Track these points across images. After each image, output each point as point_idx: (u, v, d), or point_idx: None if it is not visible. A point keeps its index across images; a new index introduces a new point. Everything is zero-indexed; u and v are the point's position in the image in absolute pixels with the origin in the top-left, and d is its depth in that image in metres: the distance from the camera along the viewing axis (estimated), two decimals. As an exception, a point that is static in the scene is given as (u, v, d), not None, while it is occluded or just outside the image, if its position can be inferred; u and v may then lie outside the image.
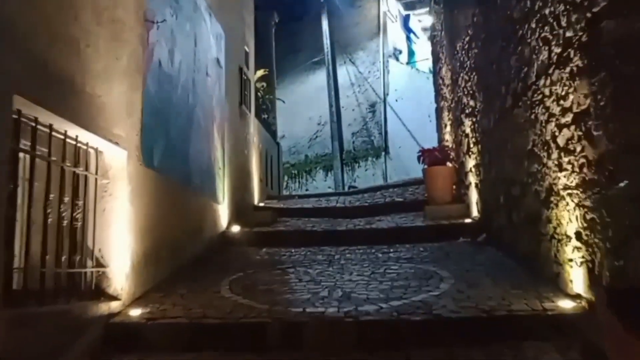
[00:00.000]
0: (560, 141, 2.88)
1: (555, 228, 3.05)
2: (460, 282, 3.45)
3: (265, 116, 9.39)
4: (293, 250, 5.09)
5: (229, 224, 5.84)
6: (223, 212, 5.70)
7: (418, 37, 15.44)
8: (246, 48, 7.56)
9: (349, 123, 14.72)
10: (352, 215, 6.46)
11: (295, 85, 15.17)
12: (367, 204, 7.30)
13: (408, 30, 15.34)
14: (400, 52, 14.64)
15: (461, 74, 5.53)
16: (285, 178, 14.52)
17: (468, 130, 5.35)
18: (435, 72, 7.69)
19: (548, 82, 3.02)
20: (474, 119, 5.06)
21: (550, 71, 2.98)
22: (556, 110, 2.92)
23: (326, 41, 14.50)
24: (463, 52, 5.37)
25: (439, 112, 7.46)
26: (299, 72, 15.16)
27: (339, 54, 14.87)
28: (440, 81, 7.11)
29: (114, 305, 3.15)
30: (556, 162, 2.97)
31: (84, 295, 2.99)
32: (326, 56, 14.49)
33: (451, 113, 6.37)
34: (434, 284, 3.45)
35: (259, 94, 8.61)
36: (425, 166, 6.33)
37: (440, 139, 7.28)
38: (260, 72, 8.46)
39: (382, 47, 14.12)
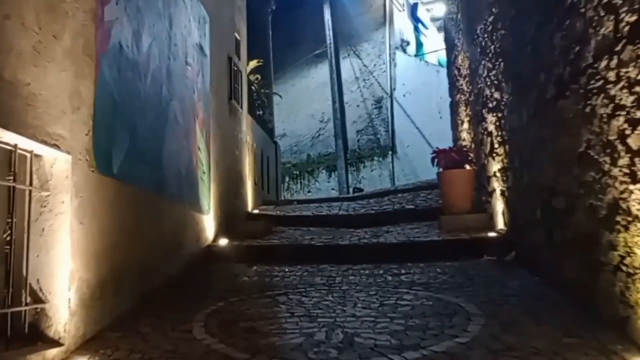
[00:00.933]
0: (634, 142, 2.21)
1: (622, 258, 2.37)
2: (493, 322, 2.74)
3: (261, 112, 8.68)
4: (287, 270, 4.40)
5: (216, 237, 5.15)
6: (208, 223, 4.99)
7: (427, 28, 14.88)
8: (237, 35, 6.81)
9: (353, 120, 14.05)
10: (357, 225, 5.87)
11: (295, 80, 14.53)
12: (374, 212, 6.71)
13: (416, 20, 14.81)
14: (408, 43, 14.03)
15: (482, 62, 4.80)
16: (287, 179, 13.90)
17: (491, 127, 4.63)
18: (450, 62, 6.94)
19: (614, 63, 2.34)
20: (500, 114, 4.35)
21: (618, 48, 2.30)
22: (627, 100, 2.25)
23: (328, 32, 13.88)
24: (485, 35, 4.63)
25: (453, 107, 6.72)
26: (300, 65, 14.49)
27: (342, 46, 14.21)
28: (456, 72, 6.37)
29: (53, 354, 2.48)
30: (626, 171, 2.29)
31: (13, 342, 2.32)
32: (328, 48, 13.88)
33: (469, 108, 5.64)
34: (460, 325, 2.73)
35: (252, 87, 7.89)
36: (440, 169, 5.62)
37: (456, 138, 6.53)
38: (253, 63, 7.74)
39: (388, 38, 13.49)
